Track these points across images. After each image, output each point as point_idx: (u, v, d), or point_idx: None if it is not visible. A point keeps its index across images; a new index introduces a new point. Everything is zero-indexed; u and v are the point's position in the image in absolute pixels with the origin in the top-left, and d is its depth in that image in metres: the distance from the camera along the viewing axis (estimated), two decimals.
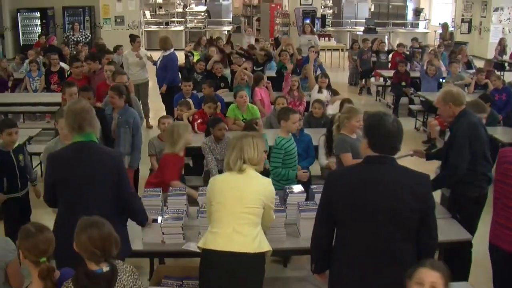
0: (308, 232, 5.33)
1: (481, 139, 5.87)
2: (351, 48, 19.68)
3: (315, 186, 6.15)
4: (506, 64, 19.30)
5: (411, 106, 14.29)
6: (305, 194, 5.91)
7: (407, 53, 17.68)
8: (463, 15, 26.10)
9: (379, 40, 18.65)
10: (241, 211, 4.47)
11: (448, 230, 5.54)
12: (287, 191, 5.93)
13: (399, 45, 18.97)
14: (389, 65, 17.55)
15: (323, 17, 26.16)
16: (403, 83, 14.82)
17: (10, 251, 4.24)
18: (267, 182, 4.72)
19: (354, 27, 27.18)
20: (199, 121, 9.24)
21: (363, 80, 18.07)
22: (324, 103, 9.96)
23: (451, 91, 5.98)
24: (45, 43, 17.66)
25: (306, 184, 6.68)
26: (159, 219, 5.37)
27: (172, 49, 12.50)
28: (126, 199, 4.82)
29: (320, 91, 10.80)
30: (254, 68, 12.98)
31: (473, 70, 14.98)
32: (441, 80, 13.67)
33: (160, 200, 5.79)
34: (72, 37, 19.87)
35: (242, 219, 4.47)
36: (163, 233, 5.30)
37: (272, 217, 4.87)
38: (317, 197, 5.75)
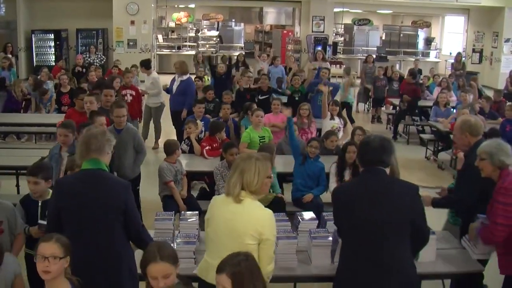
0: (319, 259, 5.38)
1: None
2: (365, 61, 19.89)
3: (327, 213, 6.15)
4: None
5: (422, 135, 14.29)
6: (316, 221, 5.91)
7: (421, 81, 17.73)
8: (474, 45, 26.18)
9: (392, 66, 18.77)
10: (233, 245, 4.11)
11: (459, 261, 5.52)
12: (299, 218, 5.93)
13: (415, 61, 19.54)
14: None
15: (335, 44, 26.30)
16: (405, 96, 15.06)
17: (19, 264, 4.64)
18: (266, 215, 4.37)
19: (365, 55, 27.30)
20: (207, 147, 9.26)
21: (375, 108, 18.10)
22: (337, 134, 10.00)
23: (469, 120, 5.93)
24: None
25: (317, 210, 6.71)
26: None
27: (189, 74, 12.48)
28: (135, 230, 4.72)
29: (332, 118, 10.83)
30: (259, 97, 13.01)
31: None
32: (452, 109, 13.67)
33: (172, 224, 5.79)
34: (88, 59, 19.99)
35: None
36: None
37: (270, 255, 4.37)
38: (329, 224, 5.77)
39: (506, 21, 24.40)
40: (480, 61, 25.77)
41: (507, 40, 24.62)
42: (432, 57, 29.53)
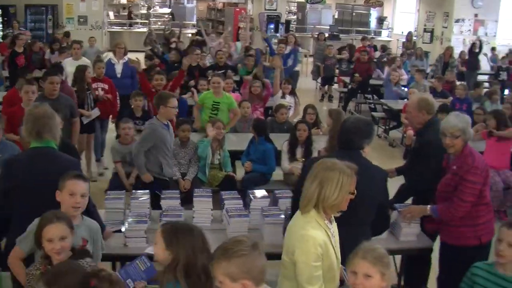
0: (271, 236, 5.37)
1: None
2: (317, 39, 19.96)
3: (278, 191, 6.16)
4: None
5: (374, 114, 14.41)
6: (268, 199, 5.90)
7: (375, 60, 17.91)
8: (425, 25, 26.40)
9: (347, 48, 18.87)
10: (282, 258, 3.95)
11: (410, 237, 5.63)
12: (251, 195, 5.90)
13: (363, 38, 19.63)
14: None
15: (287, 22, 26.25)
16: (356, 75, 15.16)
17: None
18: (305, 236, 3.76)
19: (317, 33, 27.37)
20: None
21: (325, 86, 18.17)
22: (287, 108, 9.96)
23: (427, 99, 6.00)
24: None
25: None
26: (123, 227, 5.30)
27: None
28: (85, 210, 4.52)
29: (283, 96, 10.79)
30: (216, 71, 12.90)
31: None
32: (403, 88, 13.82)
33: (123, 203, 5.72)
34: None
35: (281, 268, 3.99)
36: (125, 236, 5.22)
37: (303, 280, 3.74)
38: (281, 202, 5.77)
39: (457, 2, 24.64)
40: (431, 40, 26.01)
41: (457, 21, 24.91)
42: (384, 36, 29.74)
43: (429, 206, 5.37)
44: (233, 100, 9.53)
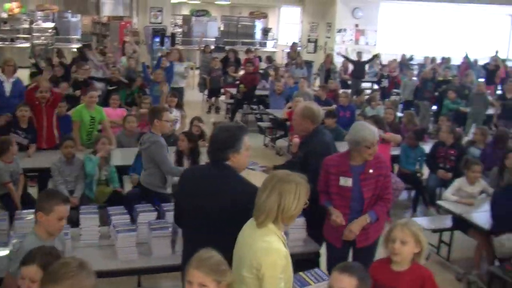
0: (160, 250, 5.42)
1: None
2: (203, 52, 20.14)
3: (166, 204, 6.20)
4: (349, 82, 20.21)
5: (260, 124, 14.66)
6: (155, 213, 5.92)
7: (260, 71, 18.24)
8: (309, 36, 27.07)
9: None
10: (239, 275, 3.76)
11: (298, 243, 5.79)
12: (137, 210, 5.90)
13: (247, 50, 20.03)
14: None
15: (173, 35, 26.22)
16: (241, 85, 15.40)
17: None
18: (272, 250, 3.69)
19: (203, 46, 27.56)
20: None
21: (212, 98, 18.29)
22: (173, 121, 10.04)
23: (312, 108, 6.10)
24: None
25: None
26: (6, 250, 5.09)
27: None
28: None
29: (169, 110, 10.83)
30: (109, 87, 12.83)
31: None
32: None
33: (8, 223, 5.62)
34: None
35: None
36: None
37: None
38: (168, 215, 5.81)
39: (339, 12, 25.51)
40: (315, 50, 26.71)
41: (340, 31, 25.76)
42: (270, 47, 30.26)
43: (366, 214, 5.45)
44: (103, 113, 9.54)
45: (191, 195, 4.27)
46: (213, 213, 4.11)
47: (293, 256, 5.52)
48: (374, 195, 5.45)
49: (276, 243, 3.69)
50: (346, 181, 5.41)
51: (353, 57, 21.22)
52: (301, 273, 4.29)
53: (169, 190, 7.32)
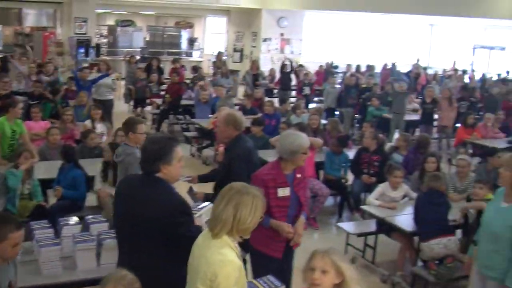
0: (85, 263, 5.36)
1: (255, 163, 6.25)
2: (129, 62, 20.04)
3: (90, 217, 6.14)
4: (274, 91, 20.40)
5: (186, 133, 14.65)
6: (80, 225, 5.86)
7: (186, 81, 18.24)
8: (235, 45, 27.25)
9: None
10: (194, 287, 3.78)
11: None
12: (61, 223, 5.81)
13: (173, 61, 20.17)
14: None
15: (98, 46, 25.95)
16: (167, 95, 15.56)
17: None
18: (227, 262, 3.69)
19: (128, 56, 27.39)
20: None
21: (138, 108, 18.14)
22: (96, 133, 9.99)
23: (234, 115, 6.24)
24: None
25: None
26: None
27: None
28: None
29: (93, 124, 10.76)
30: (30, 101, 12.60)
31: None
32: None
33: None
34: None
35: None
36: None
37: None
38: (92, 227, 5.75)
39: (264, 22, 25.86)
40: (241, 59, 26.90)
41: (265, 40, 26.06)
42: (196, 56, 30.27)
43: (302, 216, 5.63)
44: (23, 126, 9.46)
45: (124, 205, 4.32)
46: (143, 222, 4.13)
47: None
48: (305, 196, 5.68)
49: (230, 255, 3.70)
50: (284, 191, 5.48)
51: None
52: (253, 280, 4.30)
53: None
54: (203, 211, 4.65)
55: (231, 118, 6.14)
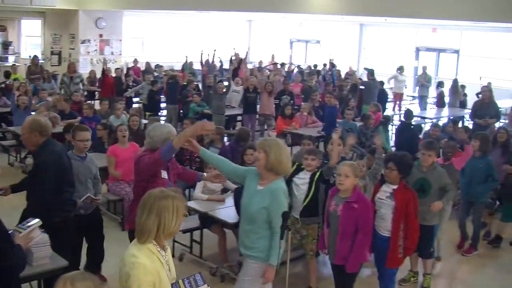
0: None
1: (65, 168, 6.14)
2: None
3: None
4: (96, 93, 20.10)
5: (3, 142, 14.06)
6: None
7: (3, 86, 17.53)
8: (52, 47, 26.44)
9: None
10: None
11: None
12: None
13: None
14: None
15: None
16: None
17: None
18: (140, 265, 3.72)
19: None
20: None
21: None
22: None
23: (39, 120, 6.07)
24: None
25: None
26: None
27: None
28: None
29: None
30: None
31: None
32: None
33: None
34: None
35: None
36: None
37: None
38: None
39: (81, 23, 25.27)
40: (60, 62, 26.18)
41: (84, 42, 25.51)
42: (11, 61, 29.03)
43: None
44: None
45: None
46: None
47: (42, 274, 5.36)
48: None
49: (145, 258, 3.72)
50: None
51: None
52: (180, 280, 4.22)
53: None
54: (31, 229, 4.91)
55: (36, 124, 6.01)
